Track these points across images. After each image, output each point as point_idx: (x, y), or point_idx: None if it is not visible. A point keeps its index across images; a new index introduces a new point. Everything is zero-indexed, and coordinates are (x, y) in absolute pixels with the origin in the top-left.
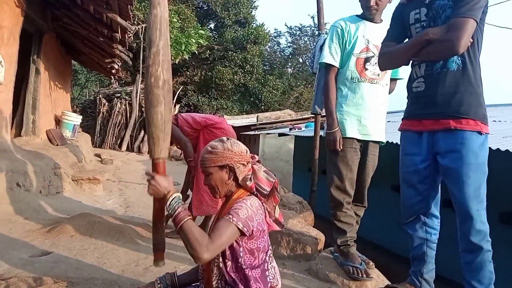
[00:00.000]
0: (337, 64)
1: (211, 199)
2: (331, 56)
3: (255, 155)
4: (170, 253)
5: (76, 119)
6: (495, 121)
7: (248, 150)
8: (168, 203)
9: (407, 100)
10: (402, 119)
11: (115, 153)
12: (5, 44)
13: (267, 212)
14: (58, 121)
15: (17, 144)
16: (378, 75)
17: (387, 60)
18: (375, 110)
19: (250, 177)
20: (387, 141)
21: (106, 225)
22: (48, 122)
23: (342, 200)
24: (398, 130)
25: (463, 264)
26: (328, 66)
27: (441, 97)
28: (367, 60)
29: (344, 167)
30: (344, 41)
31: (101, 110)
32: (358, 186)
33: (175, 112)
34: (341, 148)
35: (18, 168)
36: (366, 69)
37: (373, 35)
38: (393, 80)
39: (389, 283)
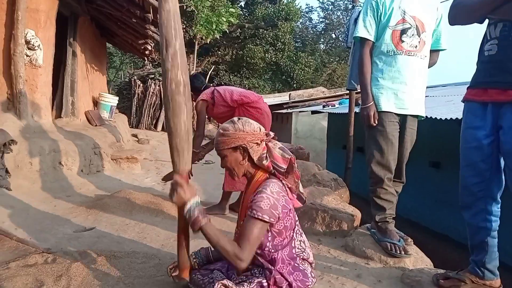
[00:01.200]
0: (372, 38)
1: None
2: (365, 29)
3: (270, 132)
4: None
5: (113, 100)
6: None
7: (262, 127)
8: (188, 207)
9: (476, 66)
10: (467, 88)
11: (151, 133)
12: (43, 28)
13: (288, 190)
14: (95, 103)
15: (58, 125)
16: (416, 46)
17: (459, 13)
18: (412, 83)
19: (266, 156)
20: (426, 116)
21: (145, 201)
22: (86, 103)
23: (383, 176)
24: (462, 101)
25: None
26: (363, 40)
27: None
28: (403, 32)
29: (384, 141)
30: (379, 14)
31: (136, 91)
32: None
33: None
34: (376, 123)
35: (60, 148)
36: (403, 41)
37: (409, 6)
38: (435, 51)
39: (429, 260)
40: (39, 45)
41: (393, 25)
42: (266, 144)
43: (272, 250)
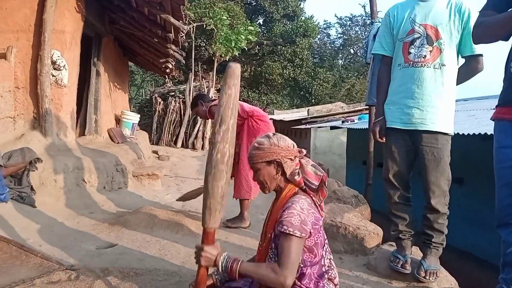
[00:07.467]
0: (387, 53)
1: (248, 185)
2: (381, 45)
3: (303, 149)
4: (229, 243)
5: (135, 117)
6: None
7: (295, 144)
8: (220, 264)
9: (502, 83)
10: (496, 106)
11: (171, 149)
12: (68, 49)
13: (317, 206)
14: (118, 120)
15: (81, 143)
16: (425, 57)
17: (482, 33)
18: (422, 96)
19: (298, 172)
20: (457, 133)
21: (166, 218)
22: (109, 121)
23: (391, 193)
24: (491, 119)
25: None
26: (380, 56)
27: None
28: (412, 42)
29: (389, 158)
30: (392, 28)
31: (157, 108)
32: (423, 186)
33: None
34: (383, 139)
35: (83, 165)
36: (410, 53)
37: (419, 14)
38: (472, 57)
39: (453, 279)
40: (64, 65)
41: (403, 37)
42: (299, 161)
43: (302, 265)
